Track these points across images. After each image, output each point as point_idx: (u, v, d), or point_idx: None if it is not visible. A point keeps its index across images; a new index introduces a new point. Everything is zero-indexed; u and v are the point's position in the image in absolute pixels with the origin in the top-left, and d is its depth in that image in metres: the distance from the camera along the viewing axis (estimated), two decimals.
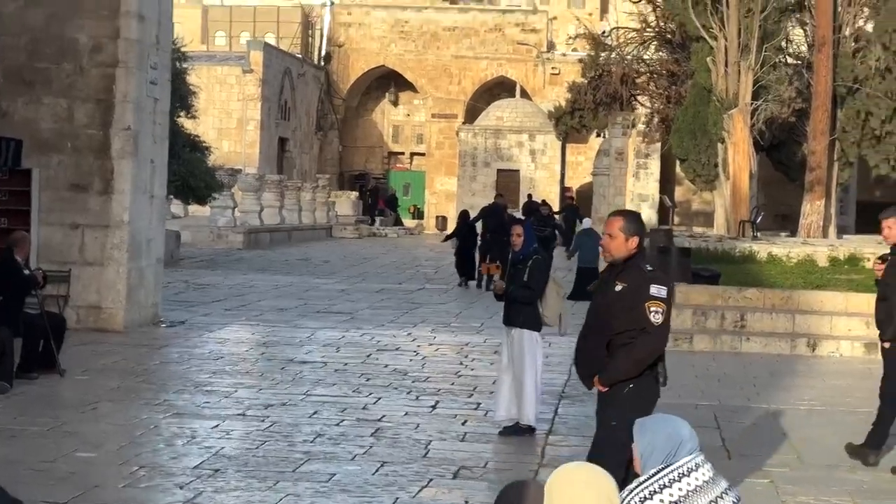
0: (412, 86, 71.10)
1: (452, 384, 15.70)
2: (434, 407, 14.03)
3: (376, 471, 10.78)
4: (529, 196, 57.29)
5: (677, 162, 63.49)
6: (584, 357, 8.44)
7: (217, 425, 12.49)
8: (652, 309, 8.00)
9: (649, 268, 8.22)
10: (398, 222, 64.32)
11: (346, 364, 16.96)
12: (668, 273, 22.96)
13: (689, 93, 48.16)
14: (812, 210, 42.46)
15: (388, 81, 71.88)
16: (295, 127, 65.78)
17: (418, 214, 69.83)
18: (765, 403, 14.97)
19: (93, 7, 19.02)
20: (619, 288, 8.10)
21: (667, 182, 64.73)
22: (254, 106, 59.65)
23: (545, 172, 58.74)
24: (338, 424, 12.75)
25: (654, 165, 59.43)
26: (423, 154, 71.40)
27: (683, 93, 50.25)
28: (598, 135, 54.69)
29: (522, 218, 21.29)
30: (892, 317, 11.51)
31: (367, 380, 15.65)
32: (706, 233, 43.24)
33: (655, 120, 51.82)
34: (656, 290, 8.05)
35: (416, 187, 70.83)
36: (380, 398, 14.32)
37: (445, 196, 68.00)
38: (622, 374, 8.15)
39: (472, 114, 68.21)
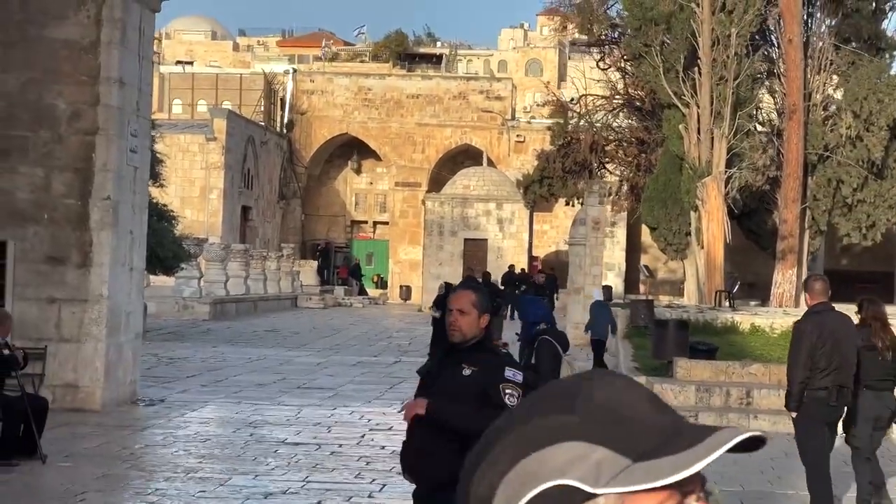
0: (375, 154, 70.55)
1: None
2: None
3: None
4: (511, 267, 56.85)
5: (642, 230, 63.41)
6: (429, 458, 7.01)
7: None
8: (507, 391, 6.97)
9: (503, 350, 7.64)
10: (362, 291, 63.51)
11: (340, 445, 16.11)
12: (667, 346, 22.31)
13: (659, 160, 47.77)
14: (784, 279, 42.02)
15: (350, 149, 71.31)
16: (258, 195, 65.00)
17: (382, 284, 69.06)
18: (790, 489, 14.23)
19: (71, 72, 18.22)
20: (467, 372, 7.09)
21: (632, 250, 64.38)
22: (217, 174, 58.88)
23: (513, 241, 58.14)
24: None
25: (621, 234, 59.05)
26: (386, 223, 70.74)
27: (653, 160, 49.87)
28: (567, 203, 54.10)
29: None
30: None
31: (367, 463, 14.81)
32: (680, 303, 42.66)
33: (625, 188, 51.37)
34: (511, 373, 7.09)
35: (380, 256, 70.11)
36: (384, 484, 13.47)
37: (409, 265, 67.33)
38: (454, 420, 6.93)
39: (436, 182, 67.66)
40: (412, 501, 7.40)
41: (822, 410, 11.93)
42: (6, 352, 13.84)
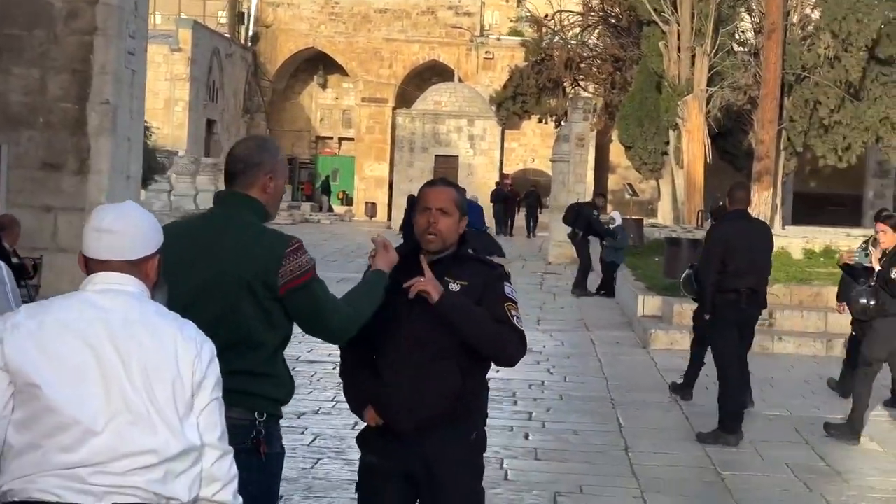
0: (342, 69, 69.43)
1: None
2: None
3: None
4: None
5: (612, 149, 62.81)
6: (422, 395, 5.65)
7: None
8: (512, 312, 5.73)
9: (490, 259, 6.12)
10: (330, 208, 62.79)
11: None
12: (680, 265, 21.71)
13: (635, 79, 47.11)
14: (760, 200, 41.44)
15: (316, 64, 70.12)
16: (223, 109, 63.90)
17: (347, 200, 68.26)
18: (838, 413, 13.75)
19: None
20: (455, 288, 5.75)
21: (600, 170, 63.84)
22: (182, 86, 57.73)
23: (484, 158, 57.39)
24: None
25: (590, 153, 58.49)
26: (351, 139, 69.76)
27: (629, 79, 49.20)
28: (541, 120, 53.40)
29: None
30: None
31: None
32: (660, 222, 42.22)
33: (598, 106, 50.73)
34: (510, 289, 5.82)
35: (345, 173, 69.19)
36: None
37: (375, 182, 66.53)
38: (469, 325, 5.63)
39: (403, 98, 66.72)
40: (364, 451, 5.89)
41: (733, 313, 12.52)
42: (15, 260, 13.13)
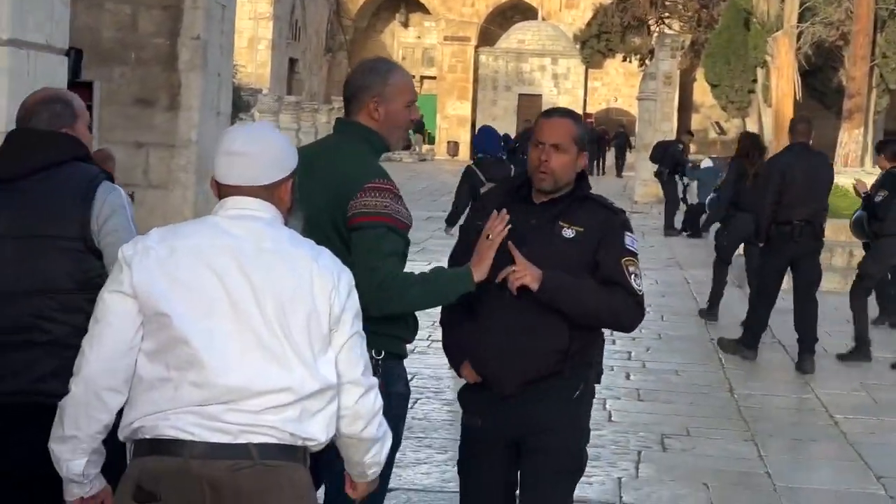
0: (423, 7, 69.02)
1: None
2: None
3: None
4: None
5: (694, 88, 62.10)
6: (525, 353, 5.07)
7: None
8: (630, 269, 5.06)
9: (616, 205, 5.30)
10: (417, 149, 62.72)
11: None
12: None
13: (722, 15, 46.54)
14: (850, 139, 40.83)
15: (398, 2, 69.81)
16: (305, 48, 63.78)
17: (429, 139, 68.06)
18: (888, 352, 13.43)
19: None
20: (569, 234, 5.08)
21: (683, 109, 63.16)
22: (265, 25, 57.62)
23: (568, 97, 56.97)
24: None
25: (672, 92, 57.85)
26: (433, 78, 69.41)
27: (715, 16, 48.61)
28: (625, 59, 52.95)
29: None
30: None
31: None
32: None
33: (686, 44, 50.14)
34: (631, 240, 5.14)
35: (427, 112, 68.90)
36: None
37: (457, 121, 66.25)
38: (578, 305, 5.00)
39: (485, 37, 66.27)
40: (466, 411, 5.34)
41: (787, 244, 12.65)
42: None
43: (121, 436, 3.72)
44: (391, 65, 5.20)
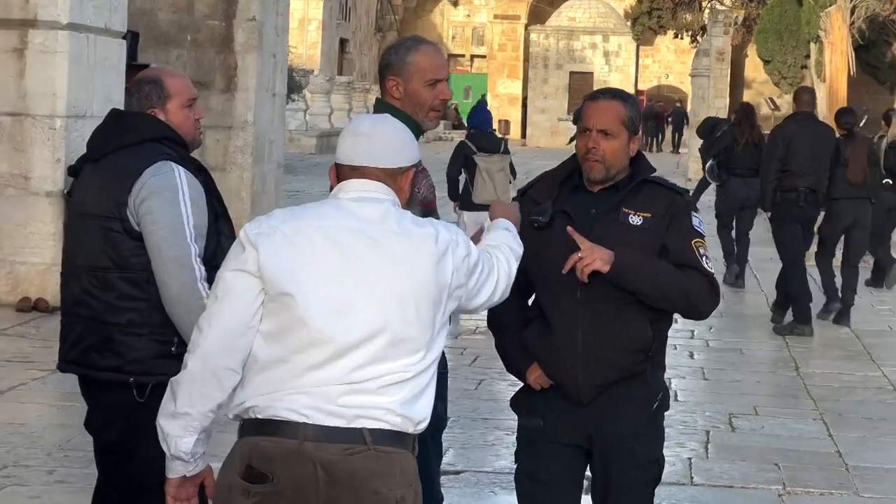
0: None
1: None
2: None
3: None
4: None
5: (745, 64, 61.70)
6: (603, 351, 4.69)
7: None
8: (701, 251, 4.73)
9: (674, 183, 4.95)
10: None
11: None
12: None
13: None
14: None
15: None
16: (355, 27, 63.79)
17: None
18: None
19: None
20: (636, 220, 4.73)
21: (734, 86, 62.74)
22: (316, 5, 57.63)
23: (619, 75, 56.72)
24: None
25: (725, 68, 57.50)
26: (483, 56, 69.26)
27: None
28: (676, 35, 52.67)
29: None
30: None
31: None
32: None
33: (738, 20, 49.82)
34: (698, 221, 4.82)
35: (477, 91, 68.74)
36: None
37: (508, 99, 66.09)
38: (654, 286, 4.64)
39: (535, 15, 66.05)
40: (523, 413, 4.91)
41: (792, 210, 13.08)
42: None
43: (230, 414, 3.72)
44: (415, 42, 5.02)
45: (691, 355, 12.01)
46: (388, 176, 3.81)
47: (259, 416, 3.63)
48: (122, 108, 5.26)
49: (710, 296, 4.79)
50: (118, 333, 4.70)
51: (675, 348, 12.08)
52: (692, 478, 8.01)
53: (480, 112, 15.53)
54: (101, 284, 4.72)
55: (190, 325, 4.22)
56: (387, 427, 3.63)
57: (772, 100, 51.27)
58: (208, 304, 3.75)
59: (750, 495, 7.80)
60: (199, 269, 4.59)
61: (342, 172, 3.84)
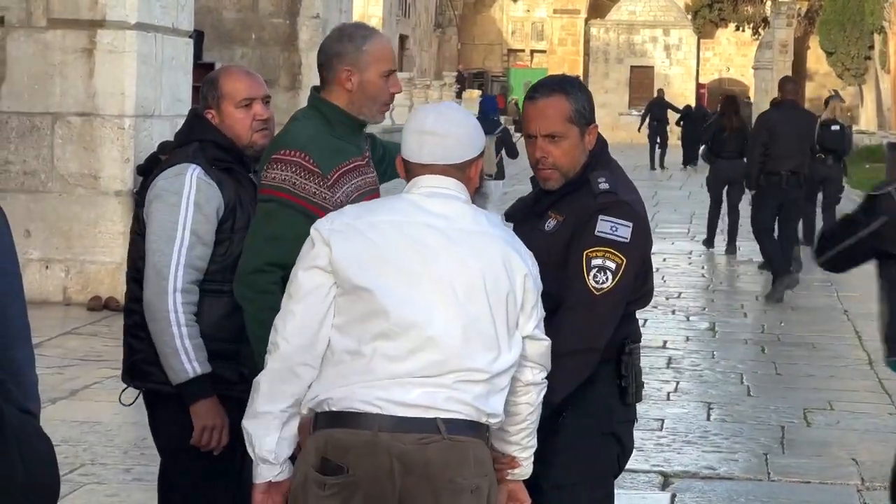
0: None
1: (712, 300, 14.02)
2: (713, 330, 12.31)
3: (708, 415, 9.16)
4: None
5: (807, 56, 61.23)
6: None
7: None
8: (594, 262, 4.17)
9: (603, 184, 4.27)
10: None
11: None
12: None
13: None
14: None
15: None
16: (414, 24, 63.80)
17: None
18: None
19: None
20: (550, 225, 4.30)
21: (797, 78, 62.24)
22: (376, 2, 57.68)
23: (680, 69, 56.44)
24: None
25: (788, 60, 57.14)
26: (543, 51, 69.01)
27: None
28: (738, 28, 52.36)
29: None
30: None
31: None
32: (865, 129, 41.10)
33: (800, 11, 49.50)
34: (612, 226, 4.19)
35: None
36: (645, 320, 12.54)
37: None
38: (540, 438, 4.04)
39: (595, 9, 65.81)
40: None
41: (775, 192, 14.22)
42: None
43: (304, 408, 3.72)
44: (368, 30, 4.67)
45: (763, 350, 11.92)
46: (456, 169, 3.82)
47: (333, 409, 3.64)
48: (189, 107, 5.28)
49: (583, 320, 4.18)
50: (127, 335, 4.77)
51: (746, 343, 12.03)
52: (769, 473, 7.94)
53: (487, 103, 19.80)
54: (127, 286, 4.78)
55: (155, 334, 4.45)
56: (460, 417, 3.62)
57: (836, 91, 50.95)
58: (283, 302, 3.75)
59: (828, 491, 7.72)
60: (177, 280, 4.48)
61: (411, 168, 3.85)
